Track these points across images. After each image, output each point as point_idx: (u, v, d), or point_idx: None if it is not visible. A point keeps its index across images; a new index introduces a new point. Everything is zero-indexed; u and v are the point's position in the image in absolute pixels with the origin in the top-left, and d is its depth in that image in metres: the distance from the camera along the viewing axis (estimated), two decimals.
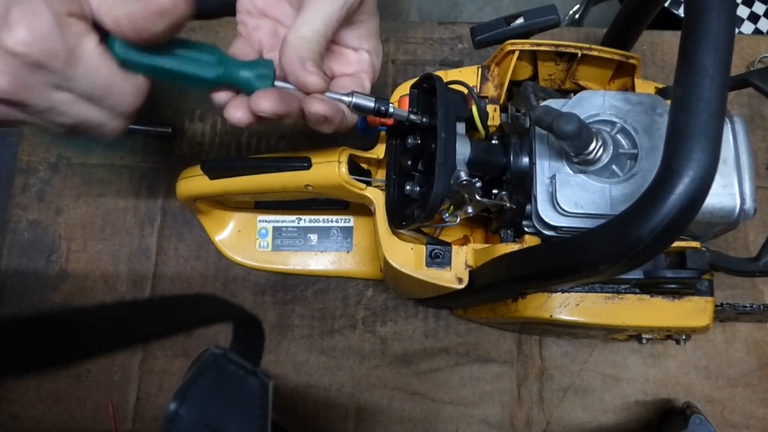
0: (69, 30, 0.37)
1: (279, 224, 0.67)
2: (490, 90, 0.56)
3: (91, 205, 0.69)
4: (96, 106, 0.40)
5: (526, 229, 0.51)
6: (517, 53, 0.54)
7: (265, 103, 0.42)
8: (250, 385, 0.34)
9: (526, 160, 0.49)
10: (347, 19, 0.46)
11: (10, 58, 0.35)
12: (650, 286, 0.51)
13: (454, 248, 0.52)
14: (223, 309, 0.42)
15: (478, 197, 0.47)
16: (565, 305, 0.51)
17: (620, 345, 0.65)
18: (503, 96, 0.56)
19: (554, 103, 0.50)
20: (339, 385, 0.65)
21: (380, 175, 0.55)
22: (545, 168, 0.49)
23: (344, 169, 0.50)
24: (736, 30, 1.12)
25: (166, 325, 0.40)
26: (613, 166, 0.47)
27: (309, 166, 0.52)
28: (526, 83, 0.52)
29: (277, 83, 0.44)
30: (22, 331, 0.34)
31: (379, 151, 0.54)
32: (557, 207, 0.47)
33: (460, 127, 0.49)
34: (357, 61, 0.49)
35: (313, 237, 0.67)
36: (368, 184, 0.52)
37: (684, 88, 0.34)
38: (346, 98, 0.45)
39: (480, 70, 0.57)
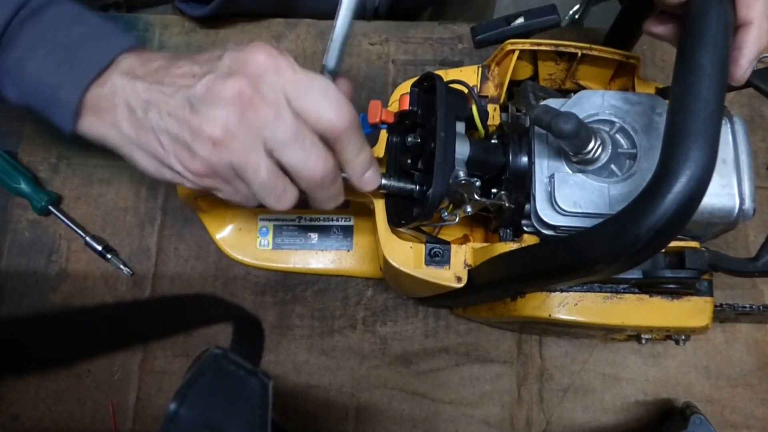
0: None
1: (279, 223, 0.67)
2: (491, 89, 0.56)
3: (91, 205, 0.69)
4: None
5: (525, 228, 0.51)
6: (517, 53, 0.54)
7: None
8: (250, 385, 0.34)
9: (525, 159, 0.50)
10: None
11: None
12: (649, 286, 0.51)
13: (454, 247, 0.52)
14: (223, 309, 0.42)
15: (476, 196, 0.47)
16: (564, 304, 0.51)
17: (620, 345, 0.65)
18: (503, 95, 0.56)
19: (554, 103, 0.50)
20: (339, 385, 0.65)
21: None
22: (544, 167, 0.49)
23: None
24: None
25: (166, 325, 0.40)
26: (612, 166, 0.47)
27: None
28: (526, 83, 0.52)
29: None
30: (22, 331, 0.35)
31: (379, 149, 0.54)
32: (556, 206, 0.47)
33: (460, 127, 0.49)
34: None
35: (314, 235, 0.67)
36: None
37: (682, 88, 0.34)
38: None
39: (480, 69, 0.57)
